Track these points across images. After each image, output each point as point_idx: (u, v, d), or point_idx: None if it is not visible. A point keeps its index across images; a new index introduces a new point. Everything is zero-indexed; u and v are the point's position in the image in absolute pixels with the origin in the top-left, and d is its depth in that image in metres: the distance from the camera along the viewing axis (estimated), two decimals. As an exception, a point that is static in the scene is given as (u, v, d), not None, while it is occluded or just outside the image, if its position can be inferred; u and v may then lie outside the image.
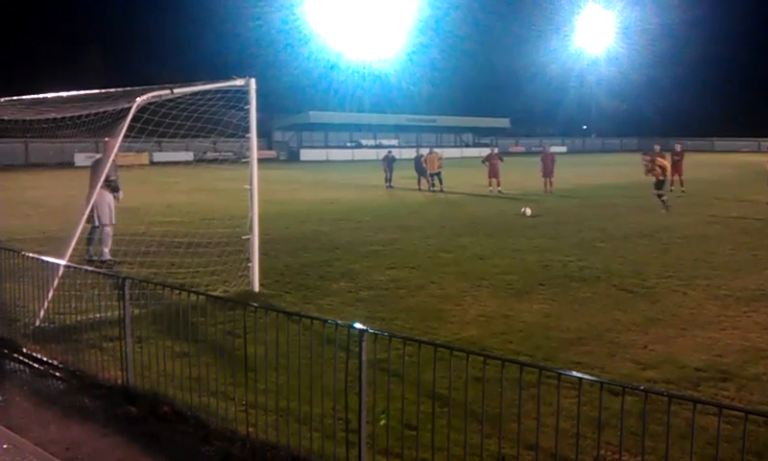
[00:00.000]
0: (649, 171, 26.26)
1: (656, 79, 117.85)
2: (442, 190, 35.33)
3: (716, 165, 61.79)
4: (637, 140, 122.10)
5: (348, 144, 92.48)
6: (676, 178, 34.27)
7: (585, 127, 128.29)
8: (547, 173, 35.03)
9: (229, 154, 14.55)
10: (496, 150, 37.98)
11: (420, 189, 36.25)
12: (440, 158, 37.74)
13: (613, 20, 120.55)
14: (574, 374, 5.36)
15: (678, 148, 35.34)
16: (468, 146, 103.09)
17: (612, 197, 32.64)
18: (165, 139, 13.24)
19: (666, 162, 26.97)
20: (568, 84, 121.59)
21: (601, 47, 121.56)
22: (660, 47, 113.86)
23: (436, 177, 36.42)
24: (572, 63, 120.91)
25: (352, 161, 78.19)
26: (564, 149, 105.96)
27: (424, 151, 40.39)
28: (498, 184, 34.75)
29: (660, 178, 26.11)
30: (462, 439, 5.48)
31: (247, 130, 12.55)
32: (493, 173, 35.30)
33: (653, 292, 12.81)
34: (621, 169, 56.58)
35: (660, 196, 26.08)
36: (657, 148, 36.76)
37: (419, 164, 37.81)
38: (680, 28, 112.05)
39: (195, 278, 12.65)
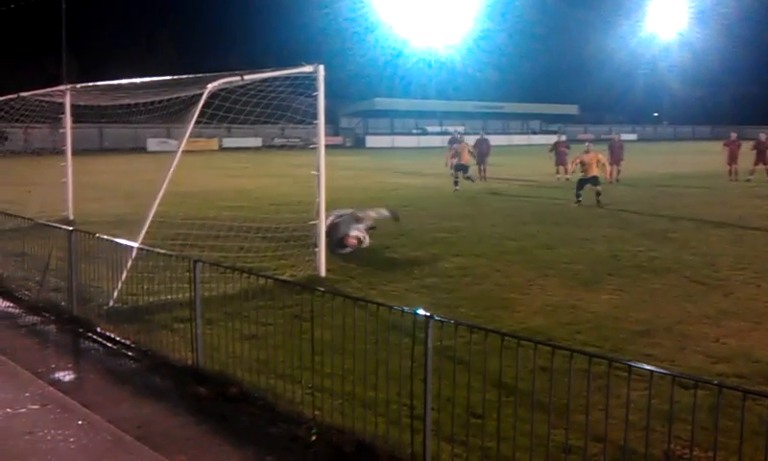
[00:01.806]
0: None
1: (731, 64, 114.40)
2: (455, 189, 29.20)
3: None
4: (711, 128, 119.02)
5: (414, 131, 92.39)
6: (760, 166, 33.29)
7: (656, 114, 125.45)
8: (615, 160, 33.99)
9: (297, 140, 14.76)
10: (563, 137, 37.25)
11: (482, 178, 33.66)
12: (469, 151, 31.84)
13: (687, 4, 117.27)
14: (644, 366, 5.25)
15: (763, 138, 34.24)
16: (535, 133, 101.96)
17: (683, 186, 31.85)
18: (235, 125, 13.43)
19: (589, 158, 24.76)
20: (639, 71, 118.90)
21: (673, 32, 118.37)
22: (737, 31, 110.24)
23: (461, 171, 30.01)
24: (643, 49, 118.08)
25: (418, 148, 78.11)
26: (634, 137, 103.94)
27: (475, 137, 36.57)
28: (566, 172, 34.06)
29: (591, 174, 24.41)
30: (528, 429, 5.44)
31: (314, 116, 12.62)
32: (560, 161, 34.87)
33: (725, 284, 12.47)
34: (693, 158, 55.21)
35: (577, 195, 24.33)
36: (733, 136, 35.74)
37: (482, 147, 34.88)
38: (758, 10, 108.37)
39: (263, 262, 12.82)
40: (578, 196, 24.24)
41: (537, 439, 5.52)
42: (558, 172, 34.78)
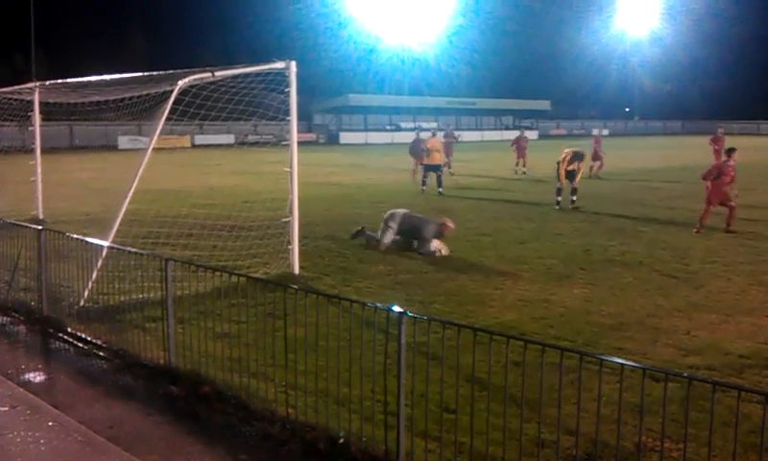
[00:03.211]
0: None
1: (701, 60, 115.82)
2: (440, 193, 26.42)
3: (763, 149, 60.45)
4: (681, 123, 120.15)
5: (388, 127, 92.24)
6: None
7: (627, 109, 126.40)
8: (595, 157, 34.08)
9: (270, 137, 14.60)
10: (525, 133, 38.43)
11: (413, 181, 30.02)
12: (438, 149, 27.72)
13: (658, 1, 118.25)
14: (616, 359, 5.30)
15: None
16: (508, 129, 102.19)
17: (655, 180, 32.16)
18: (207, 122, 13.36)
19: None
20: (611, 67, 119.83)
21: (644, 28, 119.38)
22: (706, 27, 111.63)
23: (433, 171, 27.04)
24: (614, 45, 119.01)
25: (392, 144, 78.05)
26: (606, 132, 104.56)
27: (424, 135, 32.22)
28: (524, 165, 35.84)
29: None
30: (501, 423, 5.46)
31: (287, 113, 12.57)
32: (521, 154, 36.31)
33: (696, 277, 12.62)
34: (665, 152, 55.74)
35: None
36: (720, 131, 36.01)
37: (416, 148, 30.41)
38: (727, 7, 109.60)
39: (236, 260, 12.76)
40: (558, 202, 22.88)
41: (510, 433, 5.55)
42: (518, 164, 36.24)
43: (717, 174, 17.98)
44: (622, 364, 4.94)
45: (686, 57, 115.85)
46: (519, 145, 36.45)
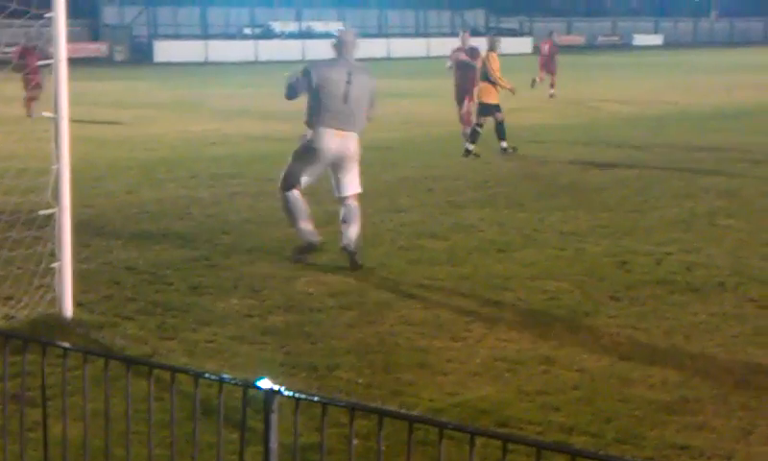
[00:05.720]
0: None
1: None
2: (503, 150, 28.39)
3: None
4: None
5: (247, 32, 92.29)
6: None
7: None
8: None
9: (12, 49, 14.47)
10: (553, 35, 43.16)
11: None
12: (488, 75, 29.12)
13: None
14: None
15: None
16: (477, 34, 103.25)
17: (743, 131, 32.86)
18: None
19: None
20: None
21: None
22: None
23: (487, 115, 28.74)
24: None
25: (256, 63, 78.12)
26: (658, 39, 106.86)
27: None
28: (540, 79, 40.57)
29: None
30: None
31: (47, 3, 12.44)
32: (547, 68, 41.03)
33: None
34: (766, 78, 57.04)
35: None
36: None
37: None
38: None
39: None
40: None
41: None
42: (542, 79, 40.86)
43: None
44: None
45: None
46: (542, 52, 41.54)
